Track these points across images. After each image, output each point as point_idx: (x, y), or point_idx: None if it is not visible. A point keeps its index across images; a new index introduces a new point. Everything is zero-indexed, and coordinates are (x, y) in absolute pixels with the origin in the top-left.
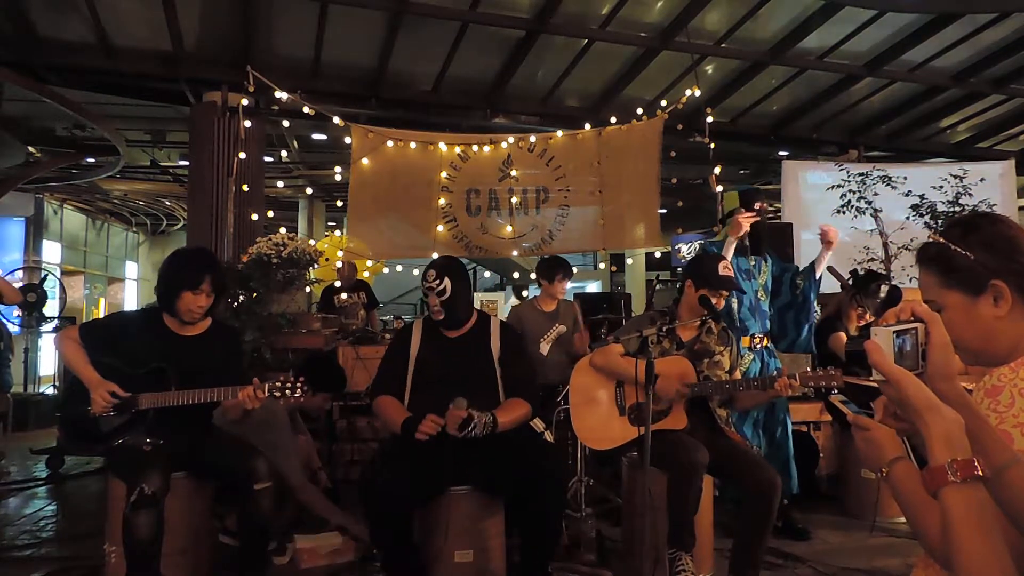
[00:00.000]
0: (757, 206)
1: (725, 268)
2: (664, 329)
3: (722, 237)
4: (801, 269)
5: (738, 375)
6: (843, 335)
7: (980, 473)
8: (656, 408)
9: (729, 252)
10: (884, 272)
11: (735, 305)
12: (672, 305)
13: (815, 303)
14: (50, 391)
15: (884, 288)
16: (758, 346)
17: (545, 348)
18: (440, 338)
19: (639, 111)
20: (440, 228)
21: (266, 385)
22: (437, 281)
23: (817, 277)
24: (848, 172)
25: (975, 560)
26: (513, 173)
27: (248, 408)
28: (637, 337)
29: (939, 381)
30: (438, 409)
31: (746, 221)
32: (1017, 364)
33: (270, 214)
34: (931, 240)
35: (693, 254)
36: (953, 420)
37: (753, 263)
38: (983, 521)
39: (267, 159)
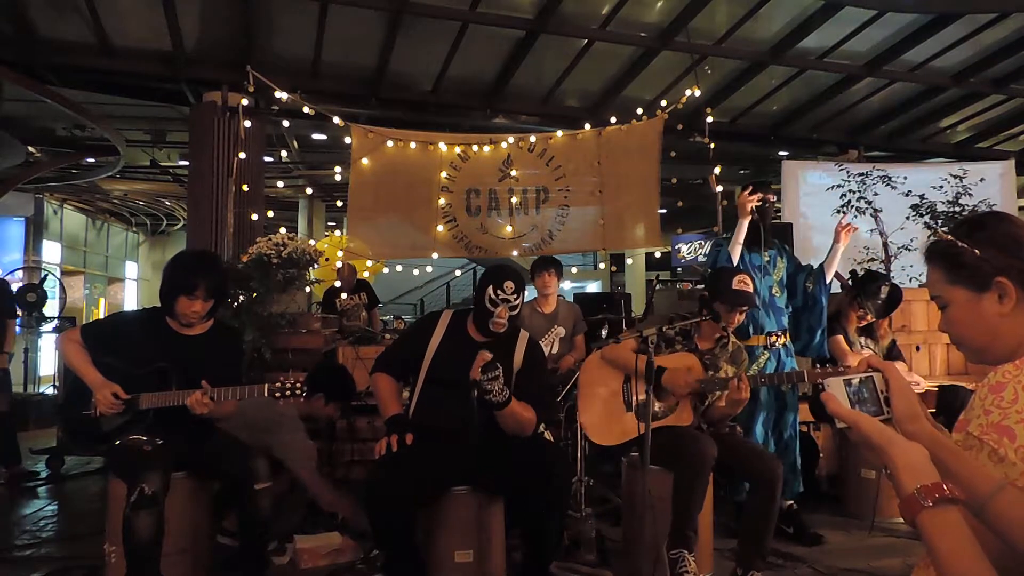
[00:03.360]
0: (760, 195)
1: (740, 282)
2: (665, 329)
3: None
4: (811, 271)
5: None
6: (841, 338)
7: (951, 495)
8: (664, 404)
9: (740, 235)
10: (884, 272)
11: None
12: (697, 311)
13: (826, 306)
14: (50, 391)
15: (885, 289)
16: (775, 344)
17: (545, 350)
18: (465, 338)
19: (639, 111)
20: (440, 228)
21: (217, 391)
22: (515, 295)
23: (828, 281)
24: (848, 172)
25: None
26: (513, 173)
27: (196, 413)
28: (637, 336)
29: (906, 423)
30: (444, 407)
31: (748, 202)
32: (1022, 361)
33: (270, 214)
34: (938, 237)
35: (705, 253)
36: (914, 449)
37: (768, 258)
38: (963, 543)
39: (267, 159)
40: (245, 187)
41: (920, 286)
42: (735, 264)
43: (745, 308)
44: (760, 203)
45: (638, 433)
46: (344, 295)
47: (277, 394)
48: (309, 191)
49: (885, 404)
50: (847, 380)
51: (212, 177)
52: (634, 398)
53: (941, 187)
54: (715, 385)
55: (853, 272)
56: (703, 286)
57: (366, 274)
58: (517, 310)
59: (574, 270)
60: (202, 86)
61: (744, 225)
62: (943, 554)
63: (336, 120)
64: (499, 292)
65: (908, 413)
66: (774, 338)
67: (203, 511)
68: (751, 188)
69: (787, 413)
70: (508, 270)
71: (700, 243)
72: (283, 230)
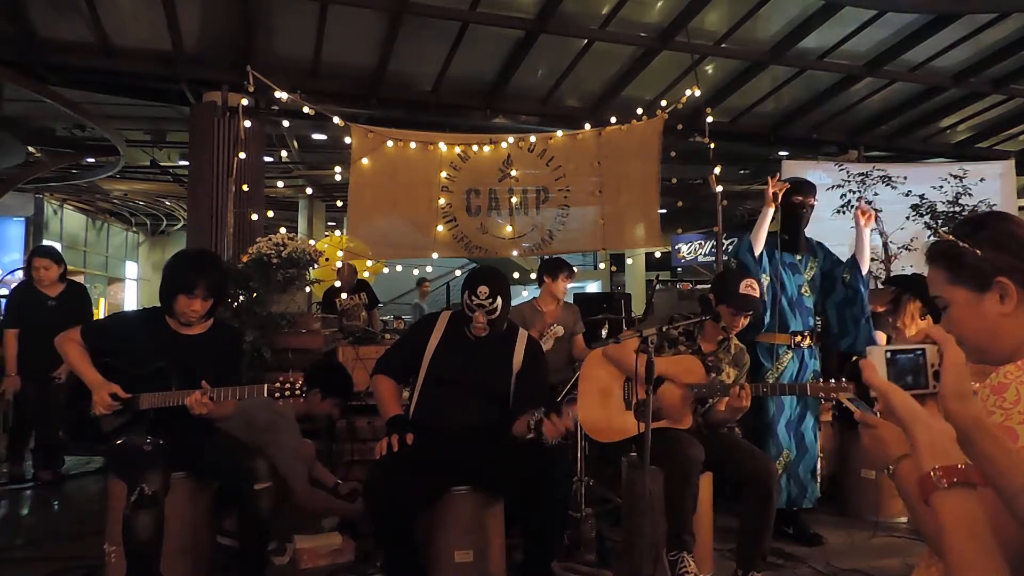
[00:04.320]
0: (797, 199)
1: (747, 287)
2: (667, 329)
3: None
4: (845, 263)
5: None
6: (883, 335)
7: (968, 479)
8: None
9: (763, 225)
10: (885, 272)
11: (782, 298)
12: (700, 312)
13: (867, 296)
14: None
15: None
16: (800, 345)
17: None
18: (463, 338)
19: (639, 111)
20: (440, 228)
21: (217, 391)
22: (490, 300)
23: (864, 271)
24: (848, 172)
25: (968, 564)
26: (513, 173)
27: (195, 413)
28: (638, 336)
29: (951, 400)
30: (445, 407)
31: (773, 188)
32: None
33: (270, 214)
34: (940, 237)
35: (705, 253)
36: (939, 430)
37: (800, 258)
38: (975, 526)
39: (267, 159)
40: (245, 187)
41: None
42: (757, 254)
43: (750, 313)
44: (798, 205)
45: (637, 432)
46: (344, 295)
47: (276, 394)
48: (309, 191)
49: (933, 378)
50: (892, 350)
51: (212, 177)
52: (634, 397)
53: (941, 187)
54: (715, 390)
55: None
56: (709, 286)
57: (366, 274)
58: (496, 313)
59: (574, 270)
60: (202, 86)
61: (767, 214)
62: (952, 536)
63: (336, 120)
64: (474, 298)
65: (956, 391)
66: (799, 338)
67: (203, 511)
68: (789, 186)
69: (808, 416)
70: (483, 275)
71: (700, 243)
72: (283, 230)
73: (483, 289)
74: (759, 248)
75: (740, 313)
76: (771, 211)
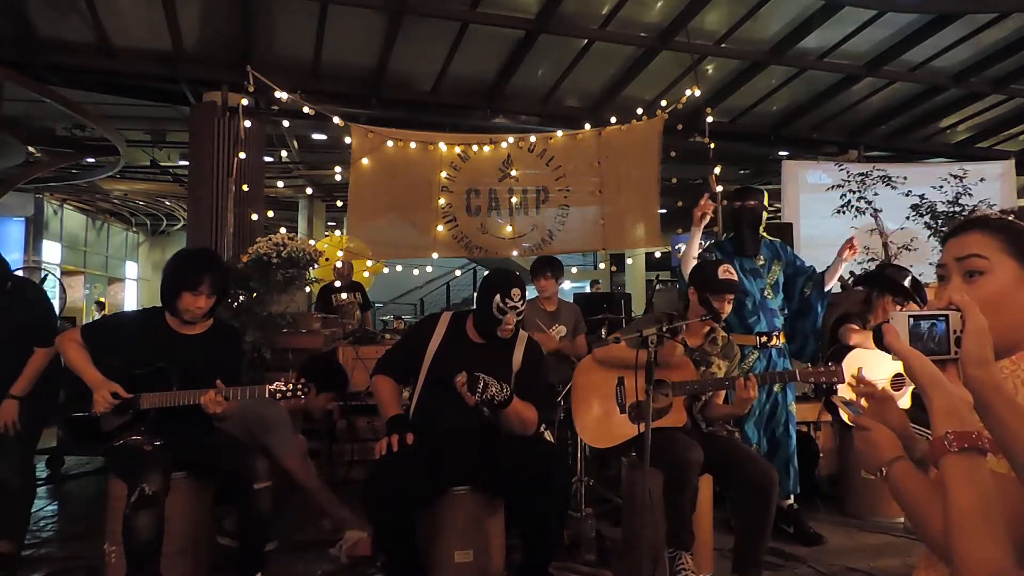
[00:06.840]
0: (737, 204)
1: (725, 272)
2: (665, 328)
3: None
4: (811, 277)
5: None
6: (853, 326)
7: (980, 444)
8: (657, 406)
9: (691, 247)
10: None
11: (746, 302)
12: (682, 310)
13: (821, 314)
14: None
15: (909, 279)
16: (767, 345)
17: (545, 349)
18: (464, 339)
19: (639, 111)
20: (440, 228)
21: (231, 390)
22: (522, 301)
23: (827, 289)
24: (848, 172)
25: (970, 525)
26: (513, 173)
27: (210, 412)
28: (637, 336)
29: (972, 367)
30: (445, 408)
31: (701, 209)
32: (1019, 357)
33: (270, 214)
34: (994, 216)
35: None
36: (957, 396)
37: (762, 261)
38: (980, 489)
39: (267, 159)
40: (245, 187)
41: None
42: (687, 276)
43: (732, 296)
44: (737, 210)
45: (637, 433)
46: (344, 295)
47: (278, 395)
48: (309, 191)
49: (955, 344)
50: (916, 315)
51: (212, 177)
52: (627, 400)
53: (941, 187)
54: (708, 385)
55: (852, 273)
56: (691, 284)
57: (366, 275)
58: (522, 315)
59: (574, 270)
60: (202, 86)
61: (694, 234)
62: (956, 496)
63: (336, 120)
64: (507, 300)
65: (976, 357)
66: (765, 338)
67: (203, 511)
68: (712, 206)
69: (779, 412)
70: (514, 277)
71: (700, 243)
72: (283, 230)
73: (517, 292)
74: (688, 270)
75: (723, 298)
76: (696, 233)
